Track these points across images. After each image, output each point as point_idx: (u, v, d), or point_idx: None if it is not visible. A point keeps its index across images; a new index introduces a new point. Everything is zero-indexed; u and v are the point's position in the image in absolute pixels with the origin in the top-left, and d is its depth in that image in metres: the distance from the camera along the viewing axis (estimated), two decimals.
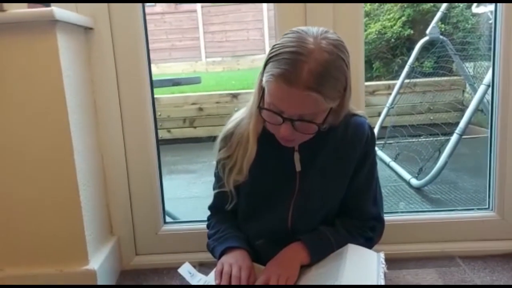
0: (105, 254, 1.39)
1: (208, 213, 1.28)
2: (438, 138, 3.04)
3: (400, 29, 4.87)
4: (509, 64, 1.44)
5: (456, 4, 4.31)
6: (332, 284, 0.95)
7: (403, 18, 4.89)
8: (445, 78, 3.99)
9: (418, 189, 2.65)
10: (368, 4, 4.81)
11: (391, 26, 4.92)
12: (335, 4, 1.38)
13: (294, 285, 1.00)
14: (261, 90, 1.00)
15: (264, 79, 0.96)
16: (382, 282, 0.97)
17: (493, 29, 1.47)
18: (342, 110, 1.03)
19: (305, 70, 0.89)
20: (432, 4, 4.60)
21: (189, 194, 2.85)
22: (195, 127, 4.38)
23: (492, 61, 1.50)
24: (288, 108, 0.94)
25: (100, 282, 1.31)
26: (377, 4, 5.09)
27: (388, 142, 3.27)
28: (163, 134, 4.08)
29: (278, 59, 0.92)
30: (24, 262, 1.29)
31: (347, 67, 0.96)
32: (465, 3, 4.18)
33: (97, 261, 1.33)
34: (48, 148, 1.24)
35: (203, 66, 7.88)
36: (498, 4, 1.43)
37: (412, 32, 4.83)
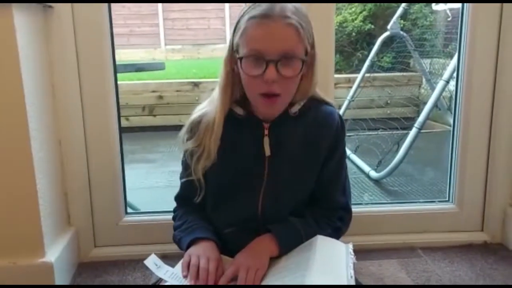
0: (62, 246, 1.33)
1: (174, 204, 1.24)
2: (396, 132, 3.11)
3: (361, 23, 4.93)
4: (473, 60, 1.48)
5: None
6: (302, 274, 0.94)
7: (364, 13, 4.96)
8: (403, 73, 4.08)
9: (376, 181, 2.71)
10: None
11: (353, 20, 4.98)
12: (307, 5, 1.37)
13: (264, 285, 0.98)
14: (232, 55, 1.01)
15: (238, 34, 0.98)
16: (352, 273, 0.97)
17: (459, 26, 1.50)
18: (312, 75, 1.04)
19: (281, 6, 0.96)
20: None
21: (148, 184, 2.78)
22: (154, 116, 4.28)
23: (457, 56, 1.53)
24: (271, 44, 0.95)
25: (57, 275, 1.25)
26: None
27: (348, 135, 3.31)
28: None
29: (252, 8, 0.97)
30: None
31: (311, 28, 1.01)
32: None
33: (54, 253, 1.27)
34: (2, 133, 1.16)
35: (162, 54, 7.72)
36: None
37: (372, 27, 4.90)
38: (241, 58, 0.98)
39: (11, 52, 1.11)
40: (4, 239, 1.21)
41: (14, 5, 1.09)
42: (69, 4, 1.32)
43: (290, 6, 0.97)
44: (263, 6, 0.96)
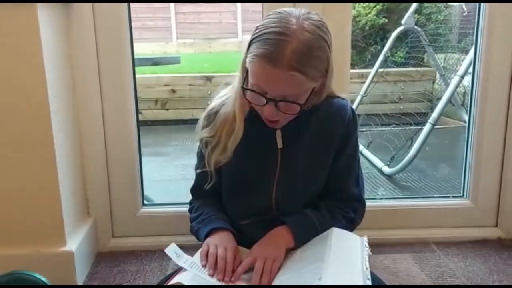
0: (82, 236, 1.36)
1: (188, 196, 1.25)
2: (409, 127, 3.11)
3: (374, 17, 4.91)
4: (490, 55, 1.47)
5: None
6: (319, 266, 0.96)
7: (378, 7, 4.93)
8: (417, 68, 4.06)
9: (389, 177, 2.71)
10: None
11: (366, 14, 4.95)
12: (324, 4, 1.38)
13: (279, 285, 0.99)
14: (245, 70, 0.99)
15: (247, 60, 0.96)
16: (367, 265, 0.98)
17: (475, 20, 1.50)
18: (324, 90, 1.04)
19: (288, 50, 0.89)
20: None
21: (162, 177, 2.81)
22: (167, 109, 4.31)
23: (473, 51, 1.53)
24: (271, 89, 0.94)
25: (77, 263, 1.28)
26: None
27: (361, 130, 3.31)
28: None
29: (261, 40, 0.93)
30: (0, 242, 1.24)
31: (329, 48, 0.97)
32: None
33: (75, 243, 1.30)
34: (26, 125, 1.19)
35: (174, 48, 7.72)
36: None
37: (386, 21, 4.87)
38: (246, 85, 0.98)
39: (35, 47, 1.14)
40: (28, 228, 1.25)
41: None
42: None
43: (301, 48, 0.90)
44: (272, 43, 0.90)
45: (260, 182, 1.12)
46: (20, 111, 1.18)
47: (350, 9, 1.45)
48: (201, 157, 1.15)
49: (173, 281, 0.93)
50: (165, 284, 0.97)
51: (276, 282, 0.97)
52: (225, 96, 1.10)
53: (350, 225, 1.14)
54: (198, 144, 1.15)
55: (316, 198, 1.15)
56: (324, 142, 1.10)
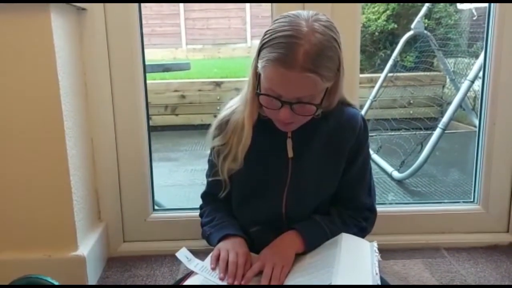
0: (93, 240, 1.37)
1: (198, 201, 1.26)
2: (419, 132, 3.09)
3: (384, 22, 4.90)
4: (500, 59, 1.47)
5: None
6: (329, 271, 0.96)
7: (388, 12, 4.92)
8: (426, 73, 4.04)
9: (399, 182, 2.69)
10: None
11: (376, 20, 4.95)
12: (333, 4, 1.39)
13: (292, 285, 0.99)
14: (256, 76, 1.00)
15: (259, 65, 0.97)
16: (377, 270, 0.98)
17: (486, 25, 1.49)
18: (336, 91, 1.04)
19: (301, 53, 0.90)
20: None
21: (172, 182, 2.83)
22: (176, 115, 4.33)
23: (484, 56, 1.53)
24: (287, 92, 0.95)
25: (89, 268, 1.29)
26: None
27: (370, 135, 3.29)
28: None
29: (272, 44, 0.93)
30: (13, 247, 1.26)
31: (339, 47, 0.98)
32: None
33: (86, 247, 1.31)
34: (40, 131, 1.21)
35: (183, 53, 7.78)
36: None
37: (395, 26, 4.87)
38: (259, 90, 0.99)
39: (49, 54, 1.16)
40: (40, 233, 1.26)
41: (52, 7, 1.13)
42: (102, 7, 1.37)
43: (314, 49, 0.91)
44: (285, 46, 0.91)
45: (271, 191, 1.12)
46: (33, 117, 1.20)
47: (360, 12, 1.45)
48: (212, 165, 1.16)
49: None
50: None
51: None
52: (234, 105, 1.11)
53: (361, 233, 1.14)
54: (209, 151, 1.16)
55: (326, 206, 1.15)
56: (334, 151, 1.10)
